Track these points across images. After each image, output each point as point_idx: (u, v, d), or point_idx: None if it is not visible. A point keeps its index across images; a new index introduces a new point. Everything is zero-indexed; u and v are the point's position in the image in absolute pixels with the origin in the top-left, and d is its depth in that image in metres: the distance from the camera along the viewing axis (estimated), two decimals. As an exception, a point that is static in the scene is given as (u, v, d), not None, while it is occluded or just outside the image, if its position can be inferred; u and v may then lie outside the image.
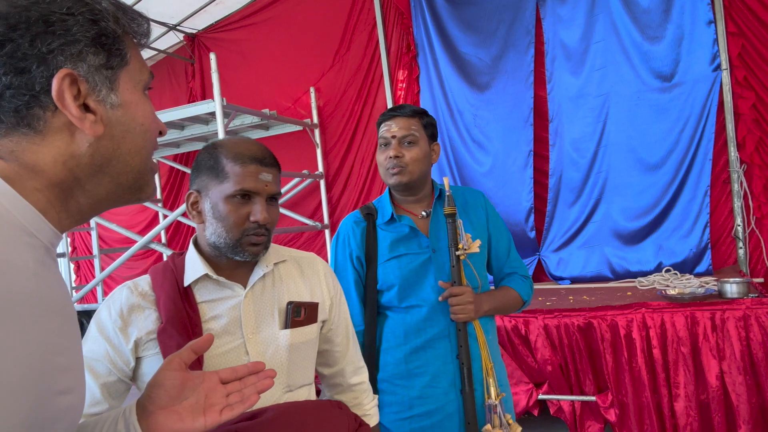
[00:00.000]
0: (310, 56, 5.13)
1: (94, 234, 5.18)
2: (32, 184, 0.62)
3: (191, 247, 1.17)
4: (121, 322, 1.08)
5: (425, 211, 1.57)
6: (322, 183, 5.06)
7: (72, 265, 5.88)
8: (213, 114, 4.12)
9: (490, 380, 1.45)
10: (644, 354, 2.88)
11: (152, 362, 1.08)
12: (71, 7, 0.62)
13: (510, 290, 1.59)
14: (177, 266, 1.15)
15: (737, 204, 3.68)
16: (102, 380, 1.07)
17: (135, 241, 5.29)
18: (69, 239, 5.41)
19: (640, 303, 2.96)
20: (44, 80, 0.60)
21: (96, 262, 5.15)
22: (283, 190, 5.02)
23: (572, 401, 3.08)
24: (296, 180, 4.99)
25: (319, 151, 5.06)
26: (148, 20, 0.72)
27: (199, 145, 5.41)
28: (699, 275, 3.65)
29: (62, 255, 4.98)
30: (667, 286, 3.38)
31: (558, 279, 4.08)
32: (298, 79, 5.17)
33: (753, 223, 3.64)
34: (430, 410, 1.47)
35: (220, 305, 1.13)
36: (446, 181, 1.51)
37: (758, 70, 3.58)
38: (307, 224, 5.02)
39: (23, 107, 0.60)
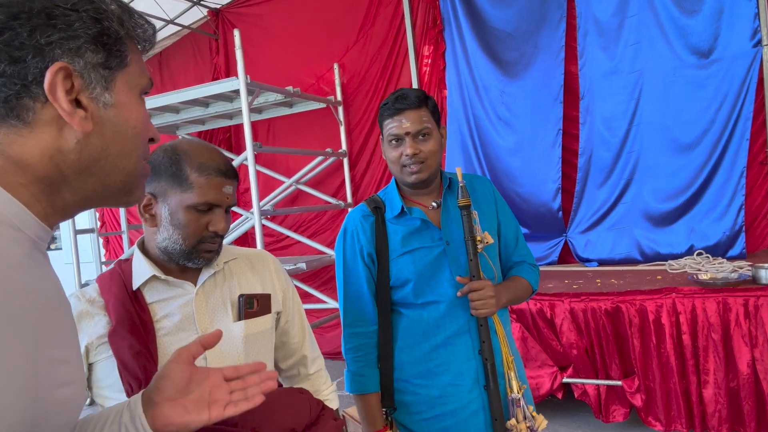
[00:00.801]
0: (334, 32, 5.06)
1: (122, 210, 5.25)
2: (17, 178, 0.61)
3: (136, 251, 1.17)
4: None
5: (435, 202, 1.50)
6: (346, 161, 5.02)
7: (101, 240, 5.99)
8: (237, 91, 4.10)
9: (512, 374, 1.42)
10: (673, 339, 2.82)
11: (105, 366, 1.09)
12: (76, 3, 0.62)
13: (522, 280, 1.54)
14: (124, 271, 1.15)
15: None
16: None
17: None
18: (98, 214, 5.49)
19: (670, 288, 2.89)
20: (38, 71, 0.60)
21: (124, 238, 5.24)
22: (306, 169, 5.01)
23: (597, 385, 3.05)
24: (319, 158, 4.96)
25: (342, 129, 5.01)
26: (153, 27, 0.72)
27: (223, 123, 5.41)
28: (732, 259, 3.54)
29: (90, 230, 5.07)
30: (699, 270, 3.29)
31: (585, 261, 4.01)
32: (321, 56, 5.10)
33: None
34: (454, 409, 1.43)
35: (171, 304, 1.14)
36: (459, 171, 1.44)
37: (803, 45, 3.41)
38: (330, 203, 5.01)
39: (13, 97, 0.60)
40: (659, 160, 3.81)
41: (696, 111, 3.69)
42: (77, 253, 4.66)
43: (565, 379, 3.11)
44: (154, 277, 1.14)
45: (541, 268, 3.99)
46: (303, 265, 4.17)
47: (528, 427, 1.39)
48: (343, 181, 5.08)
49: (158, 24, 5.38)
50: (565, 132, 4.06)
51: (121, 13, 0.66)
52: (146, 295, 1.13)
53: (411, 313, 1.47)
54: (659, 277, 3.29)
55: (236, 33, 3.83)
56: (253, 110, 5.04)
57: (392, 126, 1.45)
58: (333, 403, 1.35)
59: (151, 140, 0.72)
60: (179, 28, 5.66)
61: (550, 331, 3.14)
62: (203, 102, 4.64)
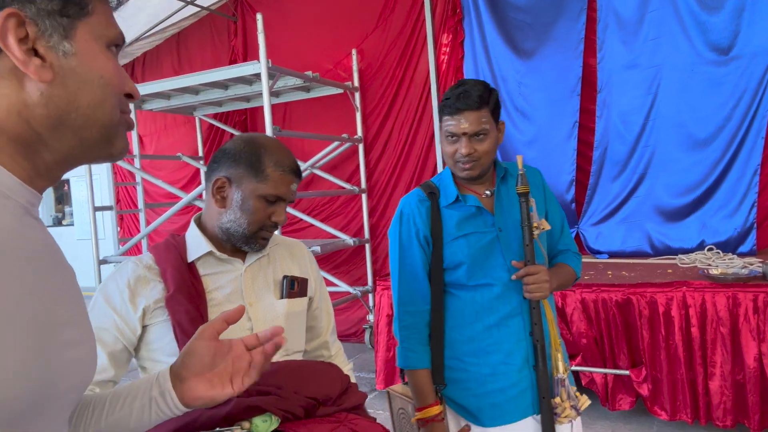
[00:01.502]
0: (353, 18, 5.08)
1: (139, 189, 5.34)
2: None
3: (193, 226, 1.27)
4: (129, 293, 1.18)
5: (489, 191, 1.55)
6: (361, 147, 5.07)
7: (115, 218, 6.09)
8: (257, 75, 4.15)
9: (558, 355, 1.47)
10: (682, 332, 2.89)
11: (159, 329, 1.18)
12: None
13: (568, 267, 1.60)
14: (179, 243, 1.25)
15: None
16: (109, 348, 1.17)
17: (176, 196, 5.45)
18: (115, 192, 5.58)
19: (681, 282, 2.95)
20: None
21: (141, 216, 5.33)
22: (321, 153, 5.06)
23: (605, 374, 3.12)
24: (335, 144, 5.02)
25: (358, 115, 5.06)
26: None
27: (239, 105, 5.46)
28: (742, 255, 3.59)
29: (109, 208, 5.16)
30: (709, 265, 3.34)
31: (596, 253, 4.07)
32: (339, 41, 5.13)
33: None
34: (504, 386, 1.49)
35: (223, 277, 1.24)
36: (520, 160, 1.48)
37: (824, 44, 3.42)
38: (344, 188, 5.07)
39: None
40: (674, 156, 3.85)
41: (712, 107, 3.72)
42: (96, 230, 4.76)
43: (573, 367, 3.18)
44: (208, 253, 1.23)
45: (552, 259, 4.06)
46: (318, 249, 4.24)
47: (572, 406, 1.46)
48: (358, 166, 5.14)
49: (177, 5, 5.42)
50: (581, 125, 4.09)
51: None
52: (199, 268, 1.23)
53: (463, 294, 1.53)
54: (670, 270, 3.35)
55: (259, 17, 3.87)
56: (271, 94, 5.09)
57: (451, 124, 1.48)
58: (352, 380, 1.44)
59: (130, 97, 0.70)
60: (198, 9, 5.69)
61: (560, 320, 3.21)
62: (223, 84, 4.69)
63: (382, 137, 5.05)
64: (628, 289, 3.05)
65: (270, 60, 3.93)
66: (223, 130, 5.86)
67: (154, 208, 5.65)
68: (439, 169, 4.72)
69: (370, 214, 5.13)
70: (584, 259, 3.99)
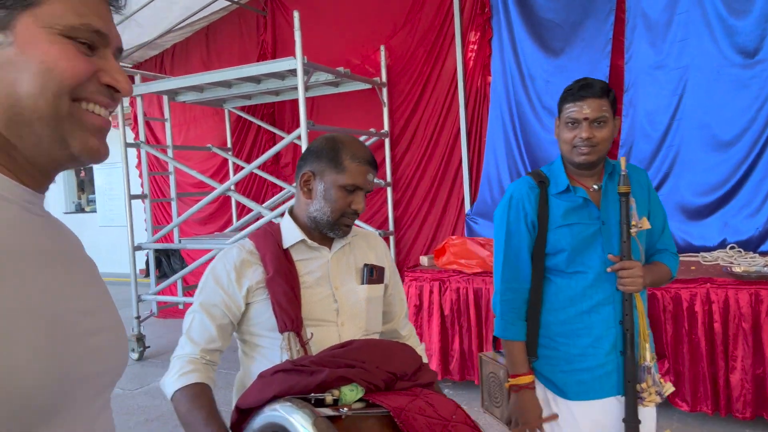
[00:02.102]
0: (381, 14, 5.18)
1: (172, 178, 5.50)
2: None
3: (288, 217, 1.43)
4: (235, 274, 1.35)
5: (596, 185, 1.65)
6: (387, 141, 5.19)
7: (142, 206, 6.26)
8: (290, 70, 4.28)
9: (646, 345, 1.60)
10: (705, 327, 3.00)
11: (260, 307, 1.35)
12: None
13: (664, 266, 1.70)
14: (275, 232, 1.42)
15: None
16: (217, 322, 1.35)
17: (204, 186, 5.61)
18: (149, 181, 5.74)
19: (705, 278, 3.06)
20: None
21: (173, 205, 5.49)
22: (349, 146, 5.18)
23: (628, 366, 3.24)
24: (362, 138, 5.14)
25: (385, 110, 5.17)
26: None
27: (268, 98, 5.59)
28: (763, 254, 3.68)
29: (144, 196, 5.33)
30: (731, 263, 3.44)
31: (618, 249, 4.17)
32: (368, 37, 5.24)
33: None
34: (591, 366, 1.62)
35: (312, 263, 1.41)
36: (623, 161, 1.58)
37: None
38: (371, 180, 5.19)
39: None
40: (698, 156, 3.93)
41: (738, 109, 3.79)
42: (131, 218, 4.93)
43: (597, 359, 3.31)
44: (300, 241, 1.39)
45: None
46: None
47: (656, 392, 1.60)
48: (383, 160, 5.26)
49: (208, -1, 5.55)
50: (607, 124, 4.18)
51: None
52: (293, 254, 1.39)
53: (560, 280, 1.66)
54: (693, 267, 3.45)
55: (296, 15, 3.99)
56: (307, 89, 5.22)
57: (573, 110, 1.59)
58: (424, 359, 1.58)
59: (113, 90, 0.66)
60: (228, 3, 5.82)
61: (585, 313, 3.33)
62: (256, 78, 4.82)
63: (408, 132, 5.16)
64: (652, 284, 3.15)
65: (306, 57, 4.05)
66: (251, 122, 6.00)
67: (184, 197, 5.81)
68: (465, 164, 4.84)
69: (395, 207, 5.25)
70: (607, 255, 4.10)
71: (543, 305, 1.68)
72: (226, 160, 6.03)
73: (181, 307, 5.82)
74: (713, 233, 3.88)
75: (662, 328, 3.11)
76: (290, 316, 1.29)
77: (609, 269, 1.58)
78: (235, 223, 5.67)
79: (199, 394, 1.24)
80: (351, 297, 1.41)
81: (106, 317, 0.69)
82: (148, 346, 5.09)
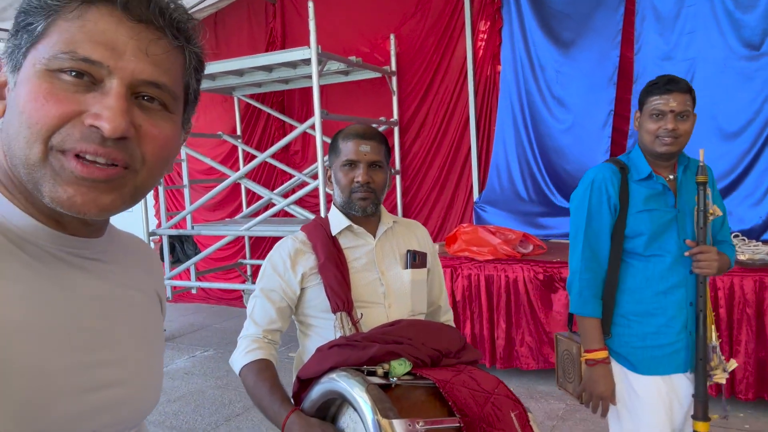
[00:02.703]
0: (391, 2, 5.22)
1: (184, 165, 5.57)
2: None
3: (333, 209, 1.56)
4: (290, 262, 1.48)
5: (672, 175, 1.77)
6: (396, 129, 5.26)
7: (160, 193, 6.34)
8: (302, 60, 4.34)
9: (713, 326, 1.73)
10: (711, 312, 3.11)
11: (314, 290, 1.48)
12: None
13: (725, 255, 1.79)
14: (324, 223, 1.54)
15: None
16: (277, 305, 1.48)
17: (215, 171, 5.68)
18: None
19: (711, 266, 3.17)
20: None
21: (186, 192, 5.57)
22: (359, 134, 5.25)
23: (634, 349, 3.37)
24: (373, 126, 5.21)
25: (395, 99, 5.24)
26: None
27: (278, 87, 5.64)
28: (766, 242, 3.79)
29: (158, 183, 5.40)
30: (736, 251, 3.55)
31: (624, 236, 4.28)
32: (378, 26, 5.28)
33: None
34: (662, 344, 1.73)
35: (359, 250, 1.52)
36: (702, 153, 1.71)
37: None
38: (380, 168, 5.27)
39: None
40: (704, 146, 3.99)
41: (743, 101, 3.88)
42: (146, 204, 5.01)
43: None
44: (346, 228, 1.50)
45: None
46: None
47: (722, 369, 1.73)
48: (393, 147, 5.33)
49: (218, -14, 5.57)
50: (616, 113, 4.27)
51: None
52: (341, 242, 1.50)
53: (637, 262, 1.75)
54: (698, 255, 3.56)
55: (310, 5, 4.05)
56: (309, 78, 5.27)
57: (659, 102, 1.68)
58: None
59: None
60: (237, -10, 5.84)
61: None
62: (267, 67, 4.88)
63: (417, 120, 5.23)
64: (659, 271, 3.27)
65: (320, 46, 4.11)
66: (260, 110, 6.06)
67: (194, 184, 5.89)
68: (474, 152, 4.92)
69: (404, 194, 5.34)
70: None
71: (619, 286, 1.77)
72: (234, 147, 6.09)
73: (194, 291, 5.93)
74: (718, 222, 3.99)
75: (669, 314, 3.23)
76: (341, 297, 1.41)
77: (687, 253, 1.69)
78: (246, 210, 5.75)
79: (264, 369, 1.37)
80: (397, 281, 1.52)
81: (126, 367, 0.67)
82: (164, 330, 5.20)
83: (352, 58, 4.64)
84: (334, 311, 1.41)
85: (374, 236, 1.55)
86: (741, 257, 3.24)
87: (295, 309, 1.51)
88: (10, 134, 0.57)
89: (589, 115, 4.31)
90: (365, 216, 1.52)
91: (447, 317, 1.73)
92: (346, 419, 1.29)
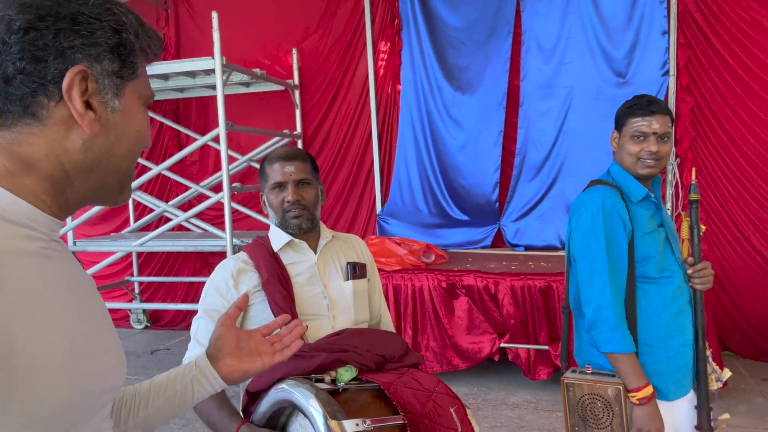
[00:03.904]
0: (293, 17, 5.26)
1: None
2: (24, 179, 0.66)
3: (272, 227, 1.61)
4: (233, 281, 1.51)
5: (652, 195, 1.73)
6: (300, 143, 5.29)
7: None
8: (203, 70, 4.24)
9: (704, 338, 1.73)
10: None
11: (258, 307, 1.51)
12: (101, 13, 0.67)
13: None
14: (264, 241, 1.59)
15: (669, 191, 4.35)
16: None
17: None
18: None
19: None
20: (57, 72, 0.64)
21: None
22: (261, 148, 5.21)
23: (528, 349, 3.67)
24: (276, 138, 5.19)
25: (298, 112, 5.27)
26: (161, 40, 0.77)
27: (173, 95, 5.43)
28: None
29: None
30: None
31: (514, 246, 4.65)
32: (279, 39, 5.30)
33: (680, 208, 4.35)
34: (681, 365, 1.69)
35: (301, 266, 1.57)
36: (693, 172, 1.73)
37: (698, 78, 4.22)
38: (282, 181, 5.26)
39: (29, 95, 0.64)
40: (581, 164, 4.51)
41: (612, 124, 4.40)
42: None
43: (502, 344, 3.70)
44: (286, 245, 1.55)
45: (478, 251, 4.59)
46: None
47: (716, 378, 1.74)
48: (295, 161, 5.34)
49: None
50: (505, 134, 4.65)
51: (138, 27, 0.71)
52: (282, 258, 1.54)
53: (649, 287, 1.68)
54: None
55: (214, 15, 3.98)
56: (209, 87, 5.15)
57: (641, 124, 1.65)
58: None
59: (145, 147, 0.77)
60: (128, -7, 5.55)
61: (492, 304, 3.71)
62: (164, 75, 4.69)
63: (321, 134, 5.30)
64: (548, 277, 3.61)
65: (225, 57, 4.05)
66: (151, 119, 5.77)
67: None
68: (376, 167, 5.08)
69: (306, 208, 5.35)
70: (504, 252, 4.57)
71: (638, 313, 1.68)
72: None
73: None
74: (593, 232, 4.47)
75: (557, 315, 3.56)
76: (286, 312, 1.43)
77: (691, 271, 1.69)
78: (134, 223, 5.42)
79: None
80: (339, 292, 1.58)
81: (109, 338, 0.74)
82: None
83: (256, 70, 4.61)
84: (280, 326, 1.43)
85: (315, 251, 1.60)
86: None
87: (242, 326, 1.51)
88: (119, 150, 0.71)
89: (482, 135, 4.67)
90: (302, 232, 1.57)
91: (387, 322, 1.80)
92: (296, 426, 1.33)
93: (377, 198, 5.11)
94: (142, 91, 0.73)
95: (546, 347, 3.61)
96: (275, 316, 1.43)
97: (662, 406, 1.64)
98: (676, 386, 1.69)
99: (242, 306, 1.01)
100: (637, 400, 1.59)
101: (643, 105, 1.66)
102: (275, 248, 1.55)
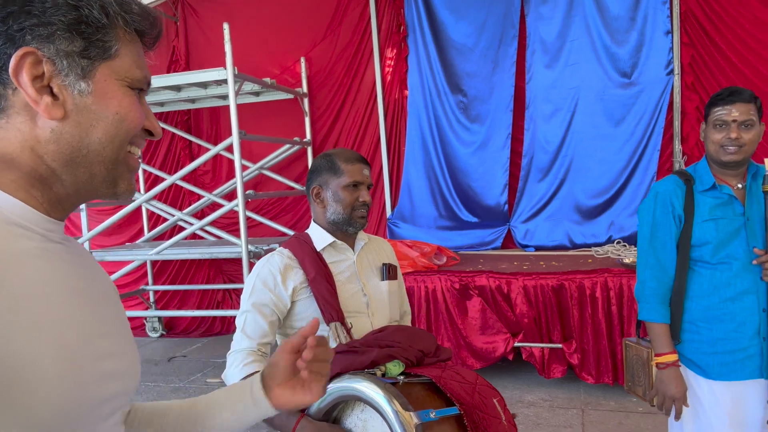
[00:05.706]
0: (301, 26, 5.35)
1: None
2: (8, 175, 0.64)
3: (314, 225, 1.68)
4: (281, 277, 1.57)
5: (741, 184, 1.79)
6: (309, 150, 5.37)
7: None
8: (215, 80, 4.33)
9: None
10: (604, 310, 3.54)
11: (304, 303, 1.58)
12: None
13: None
14: (306, 239, 1.65)
15: (677, 189, 4.40)
16: (268, 319, 1.55)
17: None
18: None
19: (603, 269, 3.60)
20: (6, 57, 0.61)
21: (83, 216, 5.23)
22: (272, 156, 5.30)
23: (542, 348, 3.71)
24: (286, 146, 5.27)
25: (307, 120, 5.35)
26: (153, 17, 0.70)
27: (184, 106, 5.52)
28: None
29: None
30: (620, 255, 4.06)
31: (524, 246, 4.70)
32: (288, 48, 5.38)
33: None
34: (732, 350, 1.76)
35: (342, 264, 1.65)
36: (766, 162, 1.71)
37: (702, 76, 4.27)
38: (293, 188, 5.33)
39: None
40: (588, 164, 4.57)
41: (619, 123, 4.47)
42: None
43: (516, 344, 3.75)
44: (328, 245, 1.62)
45: (489, 252, 4.65)
46: (276, 245, 4.50)
47: None
48: (305, 168, 5.42)
49: None
50: (513, 137, 4.71)
51: (111, 3, 0.65)
52: (324, 257, 1.61)
53: (704, 270, 1.80)
54: (590, 260, 4.02)
55: (226, 27, 4.07)
56: (220, 97, 5.24)
57: (722, 112, 1.72)
58: None
59: (150, 134, 0.72)
60: (138, 7, 5.65)
61: (506, 304, 3.76)
62: (176, 87, 4.78)
63: (330, 141, 5.38)
64: (560, 276, 3.66)
65: (236, 68, 4.13)
66: (163, 130, 5.86)
67: (91, 208, 5.55)
68: (385, 172, 5.15)
69: (317, 214, 5.42)
70: (515, 252, 4.62)
71: (686, 293, 1.82)
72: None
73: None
74: (602, 231, 4.52)
75: (570, 313, 3.61)
76: (334, 308, 1.52)
77: (755, 261, 1.73)
78: (149, 233, 5.51)
79: None
80: (377, 291, 1.66)
81: (120, 341, 0.72)
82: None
83: (266, 79, 4.69)
84: (328, 322, 1.51)
85: (353, 251, 1.68)
86: (626, 261, 3.72)
87: (282, 322, 1.58)
88: (95, 136, 0.66)
89: (491, 138, 4.73)
90: (355, 232, 1.65)
91: (408, 318, 1.88)
92: (353, 419, 1.40)
93: (387, 202, 5.17)
94: (124, 73, 0.67)
95: (560, 345, 3.65)
96: (322, 313, 1.51)
97: (700, 381, 1.81)
98: (722, 368, 1.78)
99: (308, 333, 0.90)
100: (657, 364, 1.80)
101: (725, 95, 1.75)
102: (318, 247, 1.61)
